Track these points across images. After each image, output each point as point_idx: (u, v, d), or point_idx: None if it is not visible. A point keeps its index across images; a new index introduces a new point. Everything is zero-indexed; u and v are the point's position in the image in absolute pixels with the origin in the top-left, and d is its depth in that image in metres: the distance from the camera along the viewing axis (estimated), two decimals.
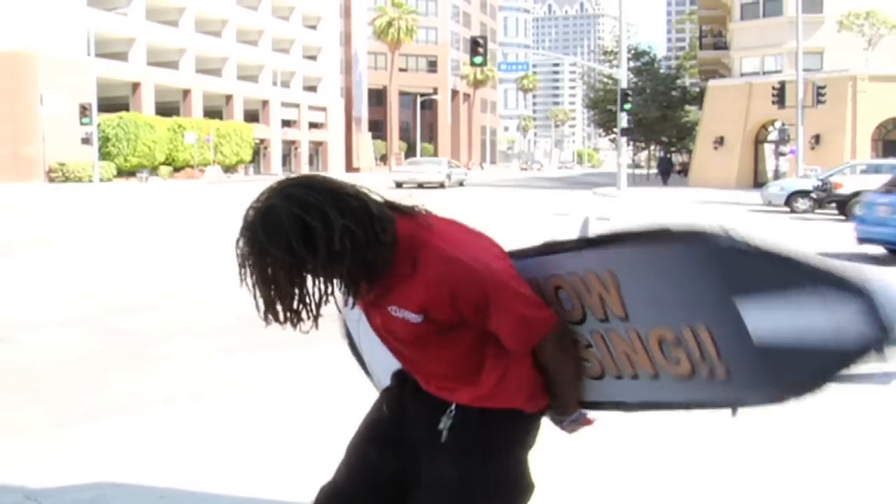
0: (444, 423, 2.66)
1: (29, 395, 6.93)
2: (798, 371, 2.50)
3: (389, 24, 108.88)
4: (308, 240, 2.36)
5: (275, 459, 5.38)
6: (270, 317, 2.53)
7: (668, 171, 65.94)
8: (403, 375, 2.86)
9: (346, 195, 2.44)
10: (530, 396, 2.70)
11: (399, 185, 49.16)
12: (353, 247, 2.38)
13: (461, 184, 54.15)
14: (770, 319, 2.40)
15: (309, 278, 2.48)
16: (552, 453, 4.13)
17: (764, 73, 55.95)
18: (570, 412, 2.80)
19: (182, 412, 6.41)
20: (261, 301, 2.53)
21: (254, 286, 2.51)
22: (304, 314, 2.54)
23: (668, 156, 76.45)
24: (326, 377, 7.47)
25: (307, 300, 2.52)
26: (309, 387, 7.12)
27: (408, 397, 2.83)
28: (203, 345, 8.81)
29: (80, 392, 7.01)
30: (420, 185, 49.38)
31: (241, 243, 2.51)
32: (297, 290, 2.48)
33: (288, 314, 2.52)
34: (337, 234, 2.35)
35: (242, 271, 2.53)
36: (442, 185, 51.00)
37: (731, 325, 2.45)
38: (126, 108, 68.08)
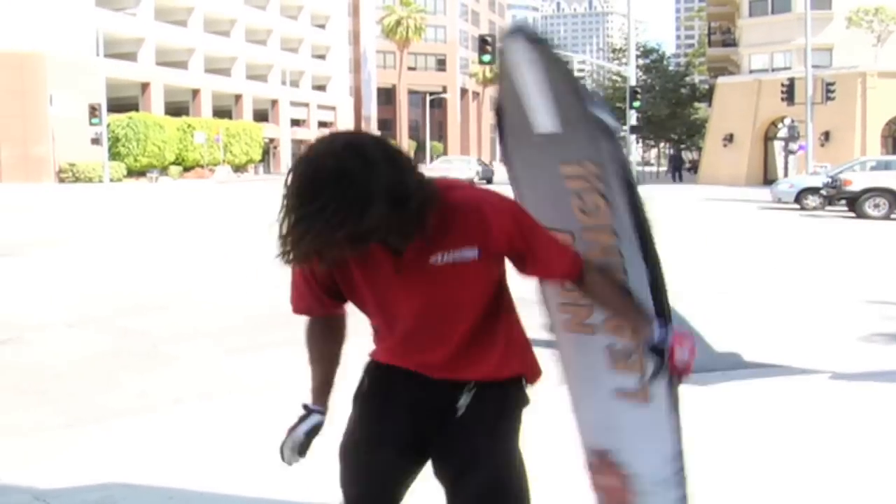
0: (463, 400, 2.78)
1: (38, 396, 6.96)
2: None
3: (398, 22, 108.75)
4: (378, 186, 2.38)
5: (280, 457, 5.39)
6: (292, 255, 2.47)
7: (678, 168, 65.87)
8: (390, 380, 2.99)
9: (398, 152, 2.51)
10: (529, 365, 2.88)
11: None
12: (406, 195, 2.43)
13: (489, 181, 54.70)
14: None
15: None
16: (551, 454, 4.15)
17: (773, 69, 55.89)
18: (644, 331, 2.79)
19: (191, 412, 6.43)
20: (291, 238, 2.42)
21: (291, 223, 2.41)
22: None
23: (679, 153, 76.30)
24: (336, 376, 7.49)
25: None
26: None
27: (409, 395, 2.91)
28: (212, 345, 8.83)
29: (89, 393, 7.04)
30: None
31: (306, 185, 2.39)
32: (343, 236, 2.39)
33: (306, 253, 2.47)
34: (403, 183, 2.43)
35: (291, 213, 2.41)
36: (472, 182, 50.79)
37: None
38: (135, 108, 68.14)
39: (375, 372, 3.07)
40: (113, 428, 6.06)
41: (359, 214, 2.34)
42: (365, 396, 3.13)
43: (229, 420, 6.23)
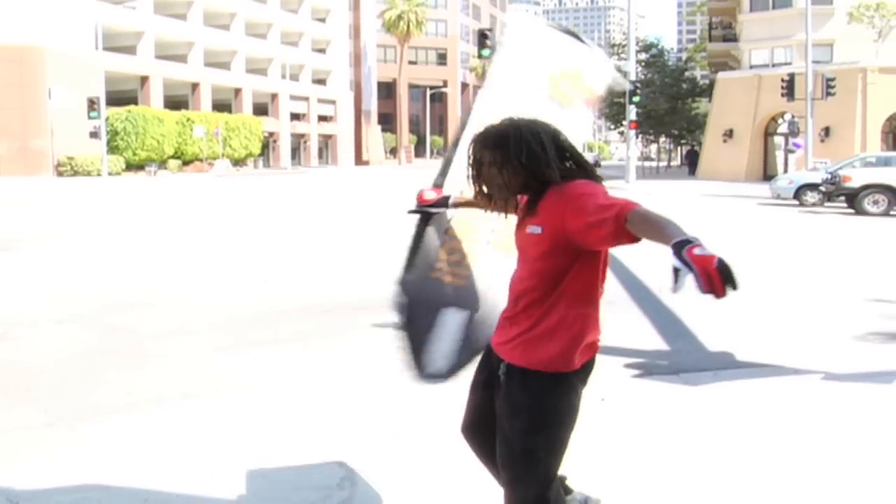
0: (501, 369, 3.46)
1: (22, 394, 6.89)
2: None
3: (399, 16, 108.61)
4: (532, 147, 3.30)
5: (264, 459, 5.32)
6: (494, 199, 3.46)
7: (694, 163, 65.96)
8: (489, 348, 3.64)
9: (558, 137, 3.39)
10: (552, 360, 3.36)
11: None
12: (545, 168, 3.29)
13: None
14: None
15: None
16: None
17: (773, 65, 55.79)
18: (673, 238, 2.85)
19: (175, 411, 6.36)
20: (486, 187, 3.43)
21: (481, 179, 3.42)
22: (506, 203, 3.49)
23: (693, 149, 76.33)
24: (320, 375, 7.43)
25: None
26: (303, 386, 7.07)
27: (493, 357, 3.57)
28: (199, 343, 8.76)
29: (73, 390, 6.96)
30: None
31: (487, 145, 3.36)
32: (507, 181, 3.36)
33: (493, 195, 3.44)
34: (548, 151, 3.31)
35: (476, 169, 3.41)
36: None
37: None
38: (134, 101, 68.08)
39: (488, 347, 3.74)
40: (95, 427, 6.00)
41: (499, 167, 3.32)
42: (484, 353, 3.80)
43: (213, 419, 6.17)
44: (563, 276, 3.29)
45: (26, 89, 57.74)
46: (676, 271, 2.71)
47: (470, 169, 3.42)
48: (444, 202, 4.30)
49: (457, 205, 4.28)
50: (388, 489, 4.86)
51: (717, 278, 2.64)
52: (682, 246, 2.73)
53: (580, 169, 3.35)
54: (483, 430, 3.64)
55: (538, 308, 3.34)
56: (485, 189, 3.43)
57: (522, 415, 3.37)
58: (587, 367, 3.46)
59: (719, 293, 2.65)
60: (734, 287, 2.65)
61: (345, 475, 5.06)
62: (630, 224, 2.99)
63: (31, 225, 22.48)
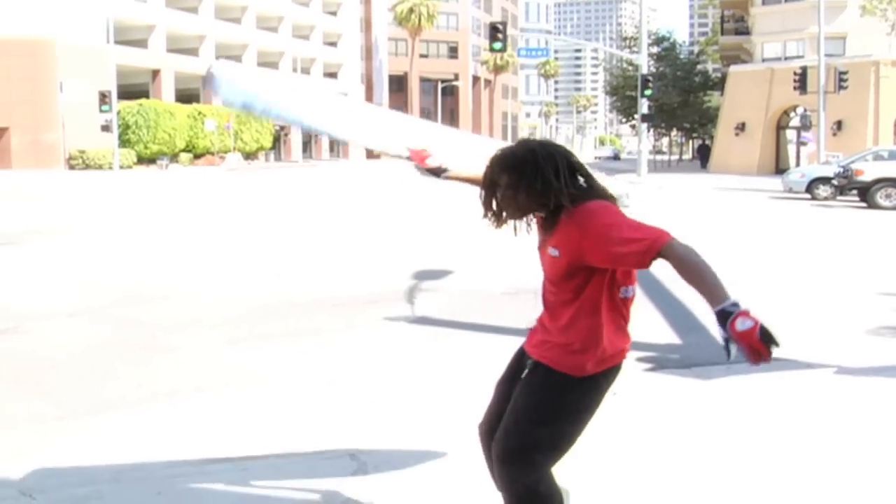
0: (529, 365, 3.58)
1: (35, 387, 6.90)
2: None
3: (411, 10, 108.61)
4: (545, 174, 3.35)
5: (276, 451, 5.33)
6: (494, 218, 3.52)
7: (706, 157, 65.90)
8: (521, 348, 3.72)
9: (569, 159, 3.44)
10: (571, 365, 3.46)
11: None
12: (560, 190, 3.32)
13: None
14: None
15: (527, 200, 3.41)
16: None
17: (786, 58, 55.61)
18: (721, 300, 3.04)
19: (187, 404, 6.37)
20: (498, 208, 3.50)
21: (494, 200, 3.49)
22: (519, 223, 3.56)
23: (704, 142, 76.22)
24: (332, 368, 7.43)
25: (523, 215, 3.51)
26: (314, 379, 7.07)
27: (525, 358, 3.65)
28: (211, 336, 8.77)
29: (85, 384, 6.97)
30: None
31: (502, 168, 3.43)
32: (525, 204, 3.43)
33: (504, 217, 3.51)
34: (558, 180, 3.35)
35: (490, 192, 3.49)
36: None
37: None
38: (146, 95, 68.19)
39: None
40: (107, 420, 6.01)
41: (514, 189, 3.39)
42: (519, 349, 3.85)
43: (223, 414, 6.17)
44: (587, 288, 3.39)
45: (38, 83, 57.87)
46: (727, 341, 2.97)
47: (483, 190, 3.50)
48: (439, 171, 4.42)
49: (448, 177, 4.42)
50: (399, 481, 4.86)
51: (763, 349, 2.91)
52: (725, 317, 2.97)
53: (591, 189, 3.41)
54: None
55: (569, 317, 3.42)
56: (496, 208, 3.50)
57: (538, 406, 3.44)
58: (614, 370, 3.54)
59: (767, 361, 2.94)
60: (777, 346, 2.93)
61: (357, 467, 5.07)
62: (664, 258, 3.13)
63: (42, 218, 22.53)
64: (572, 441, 3.49)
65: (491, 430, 3.69)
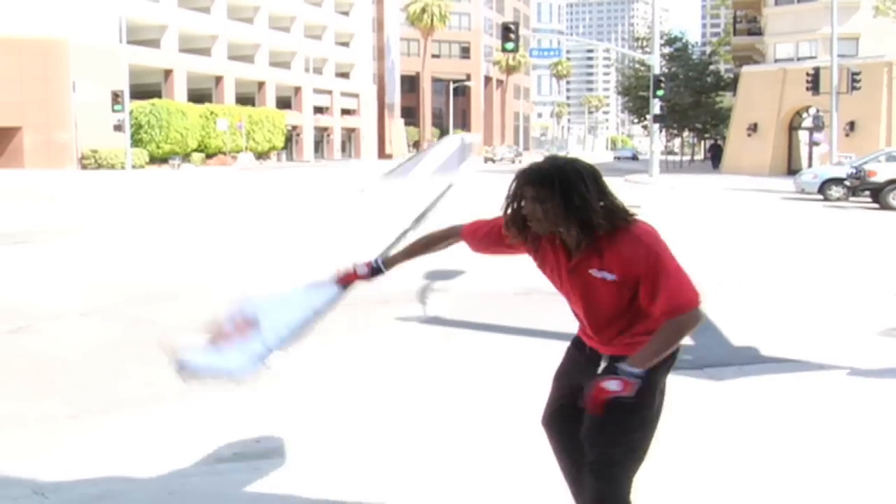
0: (602, 363, 3.61)
1: (46, 386, 6.92)
2: None
3: (423, 10, 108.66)
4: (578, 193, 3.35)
5: (287, 451, 5.33)
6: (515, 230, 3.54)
7: (718, 157, 65.79)
8: (579, 342, 3.79)
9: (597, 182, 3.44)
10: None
11: (486, 160, 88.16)
12: (588, 209, 3.34)
13: (521, 161, 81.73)
14: None
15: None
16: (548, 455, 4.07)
17: (798, 59, 55.44)
18: (642, 367, 3.37)
19: (197, 404, 6.36)
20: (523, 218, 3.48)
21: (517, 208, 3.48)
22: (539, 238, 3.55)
23: (716, 143, 76.08)
24: (342, 368, 7.44)
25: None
26: (325, 378, 7.08)
27: (583, 351, 3.75)
28: None
29: (97, 383, 6.99)
30: (500, 160, 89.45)
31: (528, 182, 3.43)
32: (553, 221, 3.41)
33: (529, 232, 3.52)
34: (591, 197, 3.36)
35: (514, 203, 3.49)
36: (512, 161, 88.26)
37: None
38: (158, 94, 68.32)
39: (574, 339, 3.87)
40: (119, 420, 6.03)
41: (542, 202, 3.36)
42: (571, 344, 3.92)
43: (234, 413, 6.18)
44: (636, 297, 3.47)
45: (51, 82, 58.06)
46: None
47: (509, 202, 3.51)
48: (378, 271, 4.22)
49: (392, 266, 4.27)
50: (410, 479, 4.87)
51: (600, 408, 3.34)
52: (614, 372, 3.37)
53: (617, 210, 3.44)
54: (563, 421, 3.78)
55: (627, 325, 3.54)
56: (520, 221, 3.51)
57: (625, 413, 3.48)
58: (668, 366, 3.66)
59: (594, 408, 3.34)
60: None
61: (367, 466, 5.07)
62: (661, 322, 3.38)
63: (55, 218, 22.59)
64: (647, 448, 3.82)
65: (555, 418, 3.83)
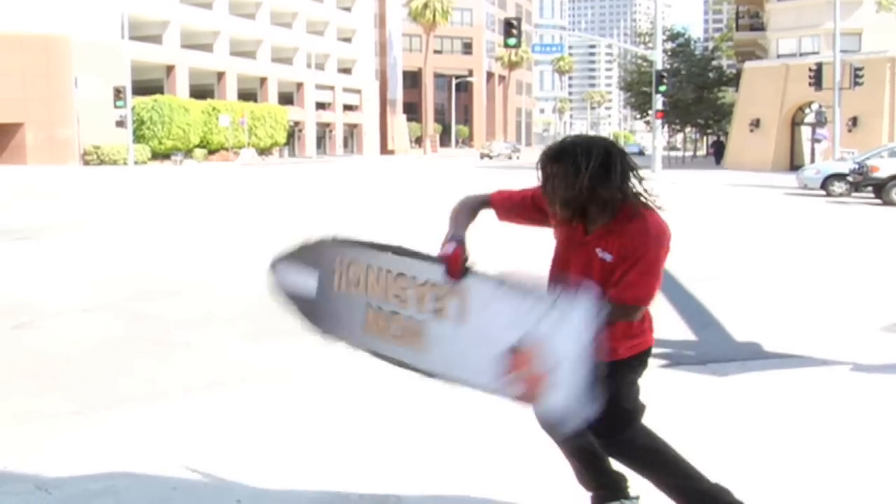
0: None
1: (49, 382, 6.92)
2: None
3: (425, 5, 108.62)
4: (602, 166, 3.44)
5: (291, 447, 5.32)
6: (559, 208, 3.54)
7: (720, 153, 65.76)
8: None
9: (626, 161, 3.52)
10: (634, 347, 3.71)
11: (482, 156, 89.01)
12: (608, 185, 3.42)
13: (518, 157, 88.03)
14: None
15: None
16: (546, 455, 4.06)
17: (801, 54, 55.42)
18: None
19: (201, 400, 6.37)
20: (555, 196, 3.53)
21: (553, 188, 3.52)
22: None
23: (719, 139, 76.08)
24: (346, 364, 7.42)
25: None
26: (329, 374, 7.07)
27: None
28: (225, 331, 8.78)
29: (100, 379, 6.99)
30: (496, 156, 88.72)
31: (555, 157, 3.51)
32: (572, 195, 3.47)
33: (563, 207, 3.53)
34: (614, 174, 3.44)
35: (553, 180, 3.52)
36: (509, 157, 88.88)
37: None
38: (160, 90, 68.38)
39: None
40: (122, 415, 6.02)
41: (572, 181, 3.41)
42: None
43: (239, 408, 6.18)
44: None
45: (53, 78, 58.05)
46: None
47: (544, 185, 3.59)
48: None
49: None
50: (415, 476, 4.86)
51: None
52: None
53: (640, 195, 3.54)
54: None
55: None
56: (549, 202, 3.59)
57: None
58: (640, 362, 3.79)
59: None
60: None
61: (372, 463, 5.07)
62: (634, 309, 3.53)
63: (57, 214, 22.59)
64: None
65: None
